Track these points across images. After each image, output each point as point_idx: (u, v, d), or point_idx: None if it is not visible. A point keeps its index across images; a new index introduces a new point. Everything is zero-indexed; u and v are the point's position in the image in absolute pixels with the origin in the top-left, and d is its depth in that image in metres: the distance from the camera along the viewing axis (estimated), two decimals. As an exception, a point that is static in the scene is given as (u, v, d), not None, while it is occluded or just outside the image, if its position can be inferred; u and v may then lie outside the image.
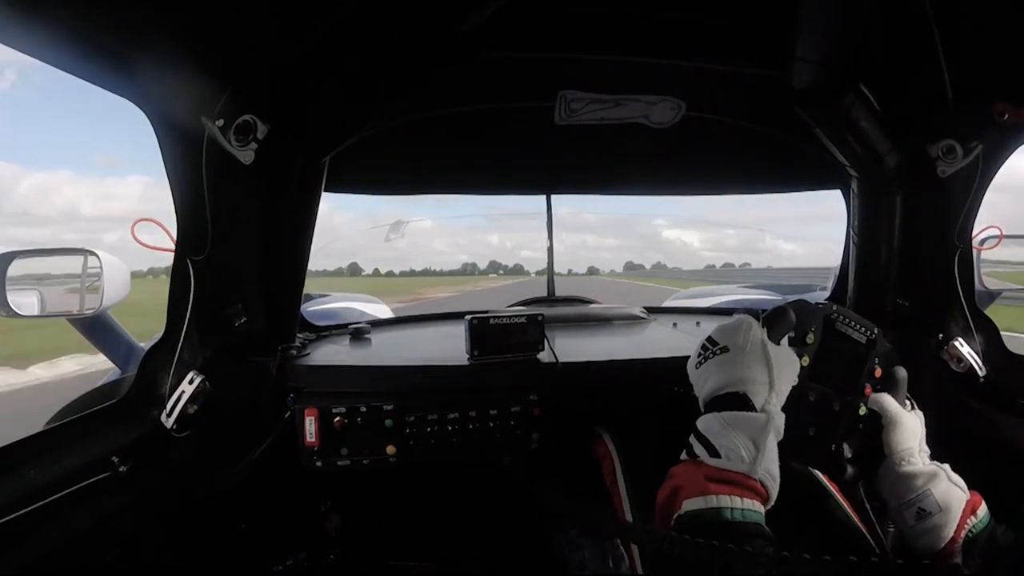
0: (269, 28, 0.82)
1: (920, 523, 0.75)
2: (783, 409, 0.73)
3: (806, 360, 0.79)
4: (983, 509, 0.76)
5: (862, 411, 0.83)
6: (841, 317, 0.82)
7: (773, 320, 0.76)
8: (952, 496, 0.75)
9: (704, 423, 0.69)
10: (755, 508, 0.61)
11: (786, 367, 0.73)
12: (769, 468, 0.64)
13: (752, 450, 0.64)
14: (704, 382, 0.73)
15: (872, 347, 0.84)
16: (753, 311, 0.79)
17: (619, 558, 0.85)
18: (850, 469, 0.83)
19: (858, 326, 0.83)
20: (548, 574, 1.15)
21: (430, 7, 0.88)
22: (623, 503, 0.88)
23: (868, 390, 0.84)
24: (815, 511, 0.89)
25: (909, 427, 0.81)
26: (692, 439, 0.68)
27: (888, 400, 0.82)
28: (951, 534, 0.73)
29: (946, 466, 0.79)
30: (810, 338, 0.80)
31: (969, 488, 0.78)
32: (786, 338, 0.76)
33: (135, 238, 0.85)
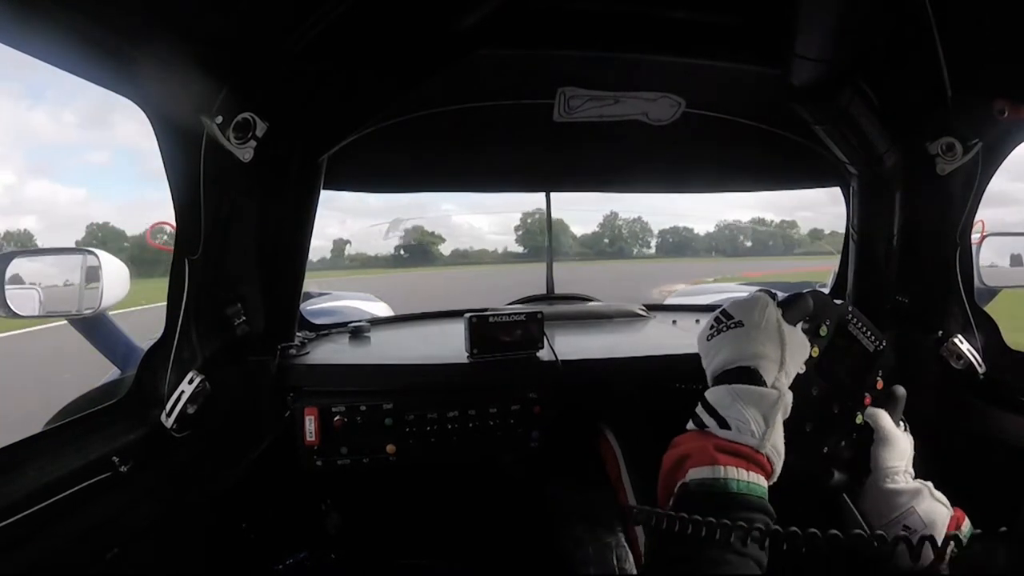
0: (268, 25, 0.82)
1: None
2: None
3: (816, 351, 0.77)
4: (966, 525, 0.75)
5: (858, 420, 0.82)
6: (855, 320, 0.81)
7: (791, 303, 0.75)
8: (936, 512, 0.74)
9: (713, 395, 0.68)
10: (759, 482, 0.61)
11: (798, 350, 0.72)
12: (776, 444, 0.64)
13: (762, 425, 0.64)
14: (715, 355, 0.72)
15: (879, 357, 0.83)
16: (770, 292, 0.77)
17: (622, 555, 0.85)
18: (837, 475, 0.80)
19: (869, 333, 0.81)
20: (549, 572, 1.15)
21: (429, 4, 0.88)
22: (628, 499, 0.88)
23: (868, 400, 0.83)
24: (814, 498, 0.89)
25: (899, 446, 0.80)
26: (700, 410, 0.68)
27: (884, 416, 0.81)
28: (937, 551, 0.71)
29: (929, 484, 0.78)
30: (823, 331, 0.78)
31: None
32: (799, 325, 0.75)
33: (149, 241, 0.85)
